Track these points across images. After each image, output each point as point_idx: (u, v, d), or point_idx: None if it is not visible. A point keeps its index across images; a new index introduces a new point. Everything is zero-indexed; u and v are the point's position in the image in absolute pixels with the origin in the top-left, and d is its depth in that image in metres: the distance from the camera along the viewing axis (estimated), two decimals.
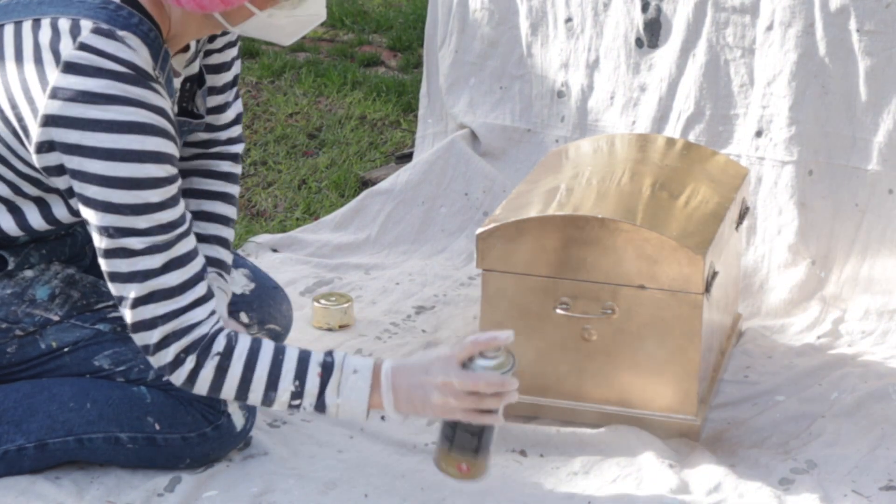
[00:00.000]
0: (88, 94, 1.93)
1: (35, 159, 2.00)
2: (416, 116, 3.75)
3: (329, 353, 2.08)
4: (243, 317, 2.44)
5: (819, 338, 2.76)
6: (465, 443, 2.05)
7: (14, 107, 2.00)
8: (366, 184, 3.61)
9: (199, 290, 2.04)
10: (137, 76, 1.96)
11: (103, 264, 2.02)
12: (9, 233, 2.14)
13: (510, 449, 2.33)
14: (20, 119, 2.00)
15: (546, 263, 2.37)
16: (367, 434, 2.37)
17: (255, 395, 2.06)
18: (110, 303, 2.20)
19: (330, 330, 2.81)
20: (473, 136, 3.38)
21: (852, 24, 2.90)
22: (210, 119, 2.30)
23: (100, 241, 2.00)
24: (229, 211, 2.35)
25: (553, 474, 2.26)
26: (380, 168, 3.75)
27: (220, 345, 2.05)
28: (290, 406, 2.07)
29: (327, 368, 2.06)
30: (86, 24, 1.96)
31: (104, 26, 1.96)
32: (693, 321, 2.32)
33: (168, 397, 2.19)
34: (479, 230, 2.40)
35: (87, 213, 1.99)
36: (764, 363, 2.66)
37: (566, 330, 2.39)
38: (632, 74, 3.19)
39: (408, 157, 3.60)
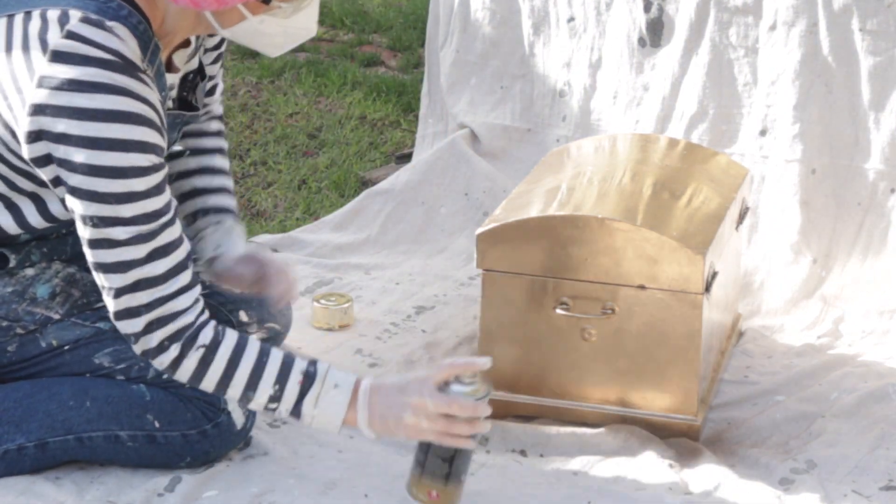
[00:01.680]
0: (75, 83, 1.94)
1: (25, 150, 2.00)
2: (416, 116, 3.76)
3: (313, 363, 2.08)
4: (242, 315, 2.44)
5: (819, 337, 2.76)
6: (436, 469, 2.06)
7: (5, 98, 2.01)
8: (366, 184, 3.61)
9: (184, 279, 2.05)
10: (124, 65, 1.96)
11: (88, 255, 2.02)
12: (8, 231, 2.14)
13: (510, 449, 2.33)
14: (11, 109, 2.00)
15: (546, 263, 2.37)
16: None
17: (234, 391, 2.07)
18: None
19: (330, 330, 2.80)
20: (474, 136, 3.38)
21: (855, 24, 2.90)
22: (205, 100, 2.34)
23: (84, 231, 2.00)
24: (226, 163, 2.41)
25: (553, 474, 2.25)
26: (380, 168, 3.75)
27: (206, 337, 2.05)
28: (266, 408, 2.07)
29: (309, 378, 2.06)
30: (74, 14, 1.97)
31: (93, 16, 1.97)
32: (693, 321, 2.31)
33: (168, 395, 2.19)
34: (479, 230, 2.40)
35: (73, 203, 1.99)
36: (764, 363, 2.65)
37: (566, 330, 2.38)
38: (634, 74, 3.19)
39: (408, 157, 3.60)
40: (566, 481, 2.23)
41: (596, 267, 2.33)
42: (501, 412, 2.42)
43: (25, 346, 2.19)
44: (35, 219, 2.13)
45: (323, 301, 2.83)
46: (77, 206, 1.99)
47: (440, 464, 2.06)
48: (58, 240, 2.23)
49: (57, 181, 2.02)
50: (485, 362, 2.04)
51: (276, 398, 2.06)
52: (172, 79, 2.17)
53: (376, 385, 2.07)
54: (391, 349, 2.71)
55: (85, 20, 1.96)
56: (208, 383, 2.07)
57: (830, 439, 2.33)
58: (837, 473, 2.24)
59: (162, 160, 2.02)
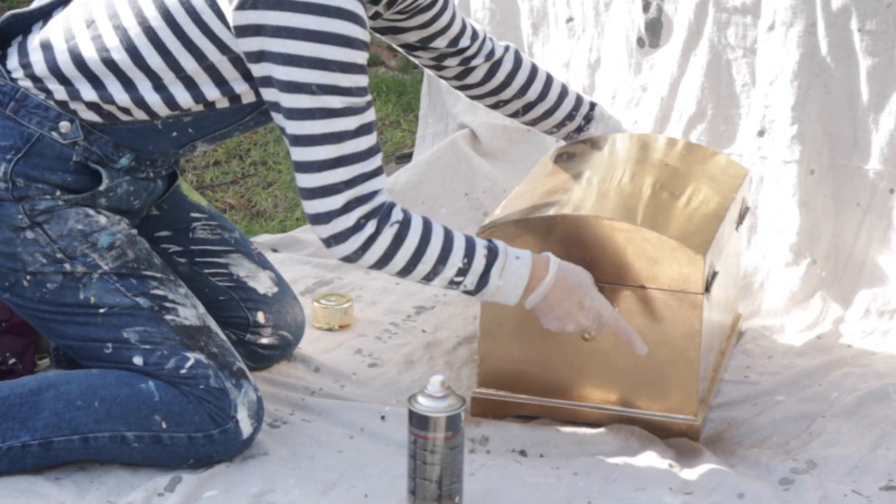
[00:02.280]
0: None
1: (231, 17, 2.07)
2: (416, 116, 3.75)
3: (491, 240, 2.20)
4: (260, 316, 2.48)
5: (819, 337, 2.76)
6: (427, 493, 2.09)
7: None
8: None
9: (379, 160, 2.14)
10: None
11: (293, 128, 2.08)
12: (151, 105, 2.19)
13: (510, 449, 2.33)
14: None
15: None
16: (367, 434, 2.37)
17: (425, 266, 2.16)
18: (157, 275, 2.25)
19: (330, 330, 2.81)
20: (474, 136, 3.38)
21: (854, 24, 2.90)
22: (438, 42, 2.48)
23: (297, 101, 2.06)
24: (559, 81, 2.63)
25: (553, 474, 2.25)
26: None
27: (398, 214, 2.14)
28: (451, 282, 2.18)
29: (493, 251, 2.18)
30: None
31: None
32: (693, 321, 2.32)
33: (178, 395, 2.20)
34: (479, 230, 2.40)
35: (290, 73, 2.04)
36: (764, 363, 2.65)
37: None
38: (633, 74, 3.19)
39: (408, 157, 3.60)
40: (566, 481, 2.23)
41: (596, 267, 2.33)
42: (502, 412, 2.43)
43: (64, 289, 2.21)
44: (182, 97, 2.19)
45: (323, 301, 2.83)
46: (296, 75, 2.05)
47: (430, 486, 2.08)
48: (144, 181, 2.30)
49: (260, 56, 2.07)
50: (643, 349, 2.26)
51: (464, 271, 2.17)
52: None
53: (563, 272, 2.21)
54: (391, 349, 2.71)
55: None
56: (400, 259, 2.15)
57: (830, 439, 2.34)
58: (837, 473, 2.24)
59: (366, 46, 2.11)
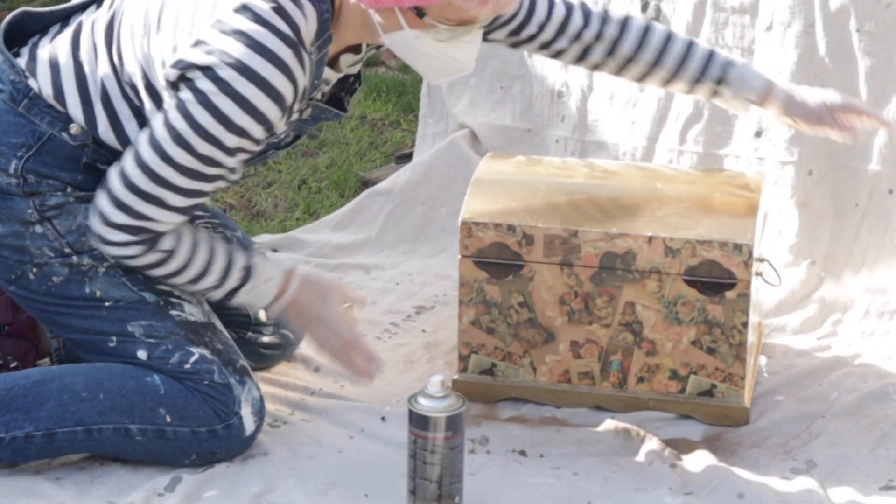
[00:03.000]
0: (243, 35, 2.03)
1: (162, 72, 2.10)
2: (416, 116, 3.75)
3: (249, 257, 2.25)
4: (262, 313, 2.48)
5: (819, 338, 2.76)
6: (427, 493, 2.10)
7: (175, 26, 2.10)
8: (366, 184, 3.61)
9: (182, 214, 2.16)
10: (295, 42, 2.05)
11: (141, 146, 2.11)
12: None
13: (510, 449, 2.33)
14: (175, 28, 2.10)
15: None
16: (367, 434, 2.37)
17: (180, 280, 2.22)
18: None
19: None
20: (474, 136, 3.38)
21: (852, 24, 2.90)
22: (528, 32, 2.41)
23: (157, 129, 2.09)
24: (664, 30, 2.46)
25: (553, 474, 2.26)
26: (380, 168, 3.75)
27: (166, 243, 2.18)
28: (203, 292, 2.25)
29: (248, 272, 2.23)
30: None
31: None
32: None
33: (183, 389, 2.21)
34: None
35: (169, 110, 2.09)
36: (764, 363, 2.65)
37: None
38: None
39: (408, 157, 3.60)
40: (566, 481, 2.24)
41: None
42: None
43: (70, 283, 2.22)
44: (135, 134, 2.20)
45: None
46: (172, 114, 2.07)
47: (430, 486, 2.09)
48: None
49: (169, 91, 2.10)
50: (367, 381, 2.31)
51: (217, 287, 2.23)
52: (330, 75, 2.22)
53: (309, 279, 2.28)
54: (391, 349, 2.71)
55: None
56: (159, 273, 2.21)
57: (830, 439, 2.34)
58: (837, 473, 2.24)
59: (256, 146, 2.11)
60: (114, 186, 2.12)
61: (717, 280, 2.32)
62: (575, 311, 2.38)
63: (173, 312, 2.24)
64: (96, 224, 2.15)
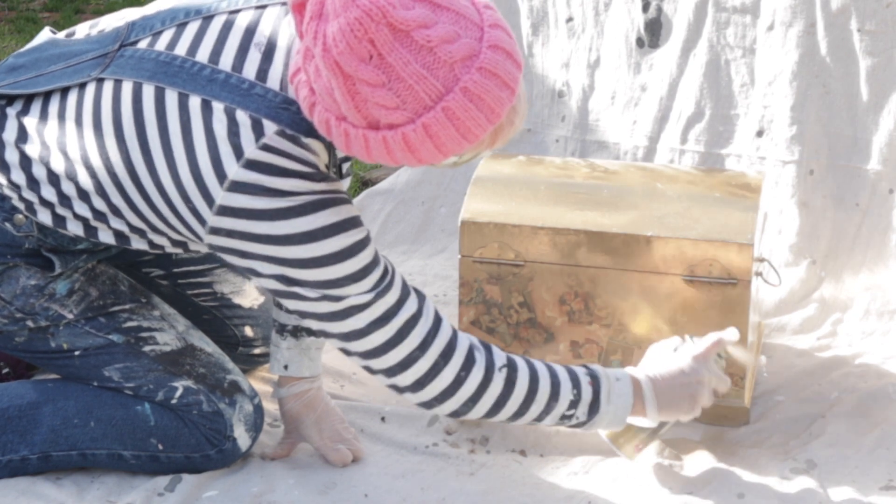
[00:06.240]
0: (274, 190, 1.89)
1: (206, 240, 1.96)
2: None
3: (587, 366, 2.10)
4: (248, 330, 2.46)
5: (819, 338, 2.76)
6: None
7: (179, 186, 1.94)
8: (366, 184, 3.61)
9: (431, 307, 2.02)
10: (321, 173, 1.93)
11: (333, 328, 1.99)
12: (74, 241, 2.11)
13: (510, 449, 2.33)
14: (187, 201, 1.94)
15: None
16: (367, 434, 2.37)
17: (538, 406, 2.04)
18: (126, 306, 2.18)
19: None
20: None
21: (853, 24, 2.90)
22: None
23: (320, 307, 1.97)
24: None
25: (553, 474, 2.26)
26: (380, 168, 3.75)
27: (501, 357, 2.03)
28: (563, 417, 2.06)
29: (595, 377, 2.08)
30: (269, 126, 1.90)
31: (288, 131, 1.90)
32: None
33: (173, 419, 2.18)
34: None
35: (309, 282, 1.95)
36: (764, 363, 2.65)
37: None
38: (632, 74, 3.19)
39: None
40: (566, 481, 2.24)
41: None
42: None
43: (34, 341, 2.16)
44: (137, 243, 2.09)
45: None
46: (310, 295, 1.96)
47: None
48: (105, 251, 2.18)
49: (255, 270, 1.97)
50: (733, 333, 2.16)
51: (574, 403, 2.06)
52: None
53: (653, 376, 2.11)
54: None
55: (281, 133, 1.90)
56: (512, 405, 2.03)
57: (830, 439, 2.34)
58: (837, 473, 2.24)
59: (366, 228, 2.01)
60: (382, 365, 2.00)
61: (718, 280, 2.32)
62: (575, 311, 2.38)
63: (147, 348, 2.16)
64: (423, 397, 2.02)
